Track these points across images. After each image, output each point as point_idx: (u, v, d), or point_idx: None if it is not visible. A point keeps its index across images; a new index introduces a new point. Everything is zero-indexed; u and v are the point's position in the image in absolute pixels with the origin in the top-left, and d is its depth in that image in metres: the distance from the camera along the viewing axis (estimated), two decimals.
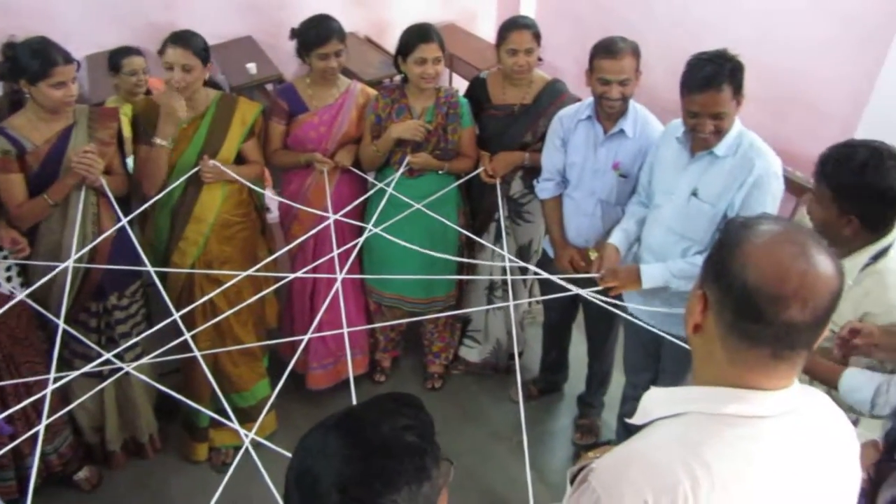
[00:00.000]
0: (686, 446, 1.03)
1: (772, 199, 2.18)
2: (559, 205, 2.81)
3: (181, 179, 2.68)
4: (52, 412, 2.17)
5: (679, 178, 2.31)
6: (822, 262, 0.99)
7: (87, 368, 2.26)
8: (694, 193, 2.26)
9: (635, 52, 2.47)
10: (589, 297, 2.36)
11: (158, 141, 2.61)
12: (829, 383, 1.80)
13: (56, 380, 2.13)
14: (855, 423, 1.94)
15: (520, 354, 3.53)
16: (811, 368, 1.81)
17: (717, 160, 2.22)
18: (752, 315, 0.99)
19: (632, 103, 2.60)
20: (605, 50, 2.45)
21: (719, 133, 2.17)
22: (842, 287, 1.00)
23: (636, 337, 2.71)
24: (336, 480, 0.92)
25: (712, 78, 2.07)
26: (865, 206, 1.77)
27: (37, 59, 2.33)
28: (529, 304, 3.68)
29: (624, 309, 2.45)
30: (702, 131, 2.15)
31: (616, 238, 2.49)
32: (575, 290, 2.40)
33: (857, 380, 1.76)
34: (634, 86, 2.52)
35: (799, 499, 1.06)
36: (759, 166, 2.16)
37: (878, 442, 1.59)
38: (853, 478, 1.15)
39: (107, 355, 2.27)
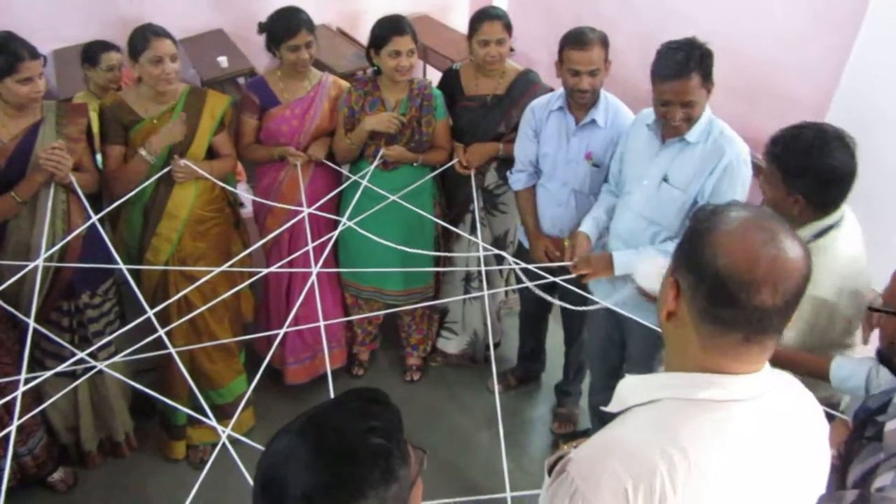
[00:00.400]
0: (662, 432, 1.04)
1: (741, 185, 2.21)
2: (533, 195, 2.82)
3: (153, 178, 2.64)
4: (24, 413, 2.14)
5: (650, 165, 2.32)
6: (791, 246, 1.00)
7: (60, 368, 2.23)
8: (665, 179, 2.28)
9: (604, 41, 2.48)
10: (563, 285, 2.38)
11: (144, 154, 2.59)
12: (818, 376, 1.82)
13: (28, 380, 2.10)
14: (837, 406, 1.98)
15: (497, 345, 3.55)
16: (796, 365, 1.84)
17: (688, 146, 2.24)
18: (725, 301, 1.00)
19: (603, 93, 2.61)
20: (574, 41, 2.46)
21: (689, 121, 2.18)
22: (810, 270, 1.02)
23: (598, 324, 2.73)
24: (303, 490, 0.91)
25: (682, 66, 2.08)
26: (811, 185, 1.81)
27: (2, 54, 2.28)
28: (506, 294, 3.69)
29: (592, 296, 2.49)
30: (672, 119, 2.17)
31: (586, 226, 2.51)
32: (550, 279, 2.42)
33: (847, 368, 1.79)
34: (604, 76, 2.53)
35: (772, 479, 1.08)
36: (729, 153, 2.18)
37: (848, 420, 1.62)
38: (823, 457, 1.17)
39: (80, 354, 2.24)
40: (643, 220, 2.36)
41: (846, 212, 1.91)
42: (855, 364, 1.78)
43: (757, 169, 2.29)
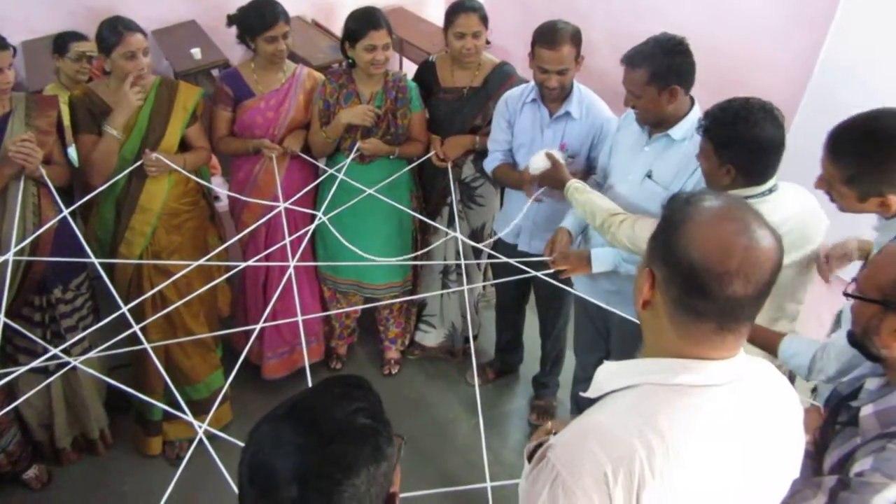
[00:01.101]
0: (640, 417, 1.06)
1: None
2: (509, 166, 2.78)
3: (125, 172, 2.60)
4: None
5: (635, 160, 2.34)
6: (763, 236, 1.02)
7: (32, 365, 2.20)
8: (648, 175, 2.29)
9: (575, 38, 2.48)
10: (543, 279, 2.39)
11: (110, 130, 2.53)
12: (768, 350, 1.88)
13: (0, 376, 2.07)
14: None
15: (474, 337, 3.56)
16: (751, 336, 1.88)
17: (673, 143, 2.25)
18: (698, 291, 1.02)
19: (576, 85, 2.62)
20: (544, 39, 2.46)
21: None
22: (781, 259, 1.04)
23: (586, 316, 2.75)
24: (294, 473, 0.90)
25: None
26: (739, 155, 1.88)
27: None
28: (484, 287, 3.70)
29: (572, 288, 2.50)
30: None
31: (567, 222, 2.52)
32: (531, 272, 2.43)
33: (796, 346, 1.84)
34: (574, 72, 2.54)
35: (748, 462, 1.10)
36: None
37: (820, 407, 1.65)
38: (798, 441, 1.20)
39: (53, 350, 2.20)
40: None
41: (779, 186, 1.95)
42: (804, 344, 1.83)
43: None
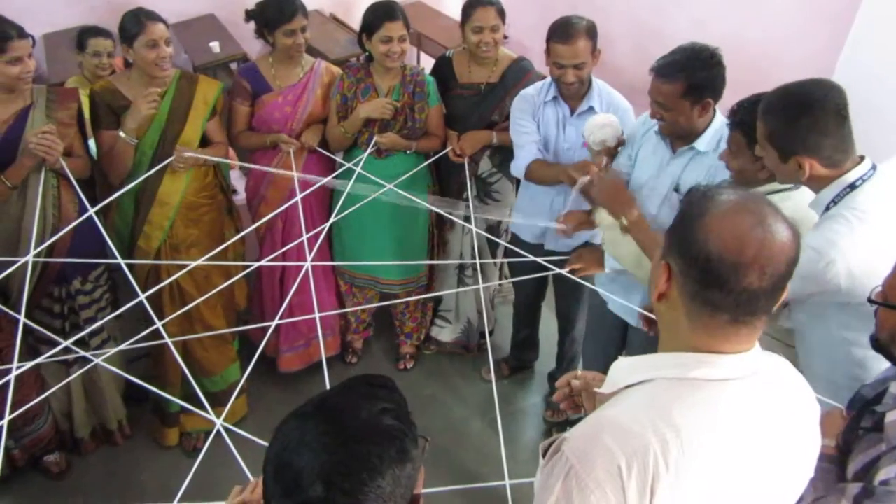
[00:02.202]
0: (655, 410, 1.06)
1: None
2: (542, 162, 2.65)
3: (150, 172, 2.61)
4: (28, 397, 2.11)
5: (662, 174, 2.29)
6: (780, 230, 1.02)
7: (48, 355, 2.22)
8: (675, 189, 2.25)
9: (590, 33, 2.45)
10: (564, 275, 2.38)
11: (123, 135, 2.56)
12: (649, 252, 1.94)
13: (20, 367, 2.09)
14: None
15: (490, 333, 3.55)
16: (640, 239, 1.99)
17: (698, 155, 2.20)
18: (714, 283, 1.02)
19: (594, 79, 2.60)
20: (559, 34, 2.44)
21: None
22: (798, 253, 1.04)
23: (601, 322, 2.70)
24: (320, 472, 0.90)
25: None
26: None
27: None
28: (500, 283, 3.70)
29: (591, 283, 2.49)
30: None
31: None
32: (545, 265, 2.42)
33: None
34: (591, 67, 2.52)
35: (762, 457, 1.09)
36: None
37: (842, 409, 1.63)
38: (813, 439, 1.19)
39: (64, 343, 2.21)
40: (660, 229, 2.34)
41: None
42: None
43: None
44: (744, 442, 1.07)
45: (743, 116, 1.88)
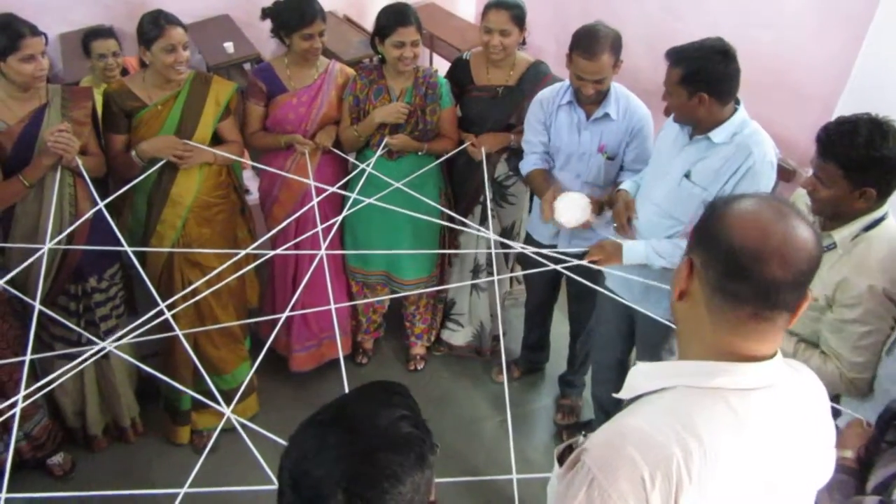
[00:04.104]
0: (677, 419, 1.05)
1: (764, 187, 2.19)
2: (545, 173, 2.73)
3: (157, 166, 2.63)
4: (29, 396, 2.13)
5: (675, 160, 2.31)
6: (802, 227, 1.04)
7: (62, 352, 2.23)
8: (686, 175, 2.26)
9: (615, 46, 2.44)
10: (573, 274, 2.37)
11: (134, 157, 2.60)
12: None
13: (32, 362, 2.10)
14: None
15: (503, 335, 3.54)
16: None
17: (713, 146, 2.21)
18: (737, 273, 1.02)
19: (612, 84, 2.58)
20: (583, 48, 2.42)
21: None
22: (820, 256, 1.05)
23: (610, 313, 2.71)
24: (340, 480, 0.90)
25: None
26: (880, 176, 1.82)
27: (3, 33, 2.28)
28: (511, 284, 3.69)
29: (603, 285, 2.48)
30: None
31: (627, 185, 2.51)
32: (556, 264, 2.41)
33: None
34: (612, 77, 2.52)
35: (783, 468, 1.09)
36: (755, 154, 2.15)
37: (863, 420, 1.61)
38: (828, 450, 1.19)
39: (83, 337, 2.23)
40: (663, 214, 2.34)
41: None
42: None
43: (781, 170, 2.28)
44: (765, 452, 1.07)
45: (840, 149, 1.82)
